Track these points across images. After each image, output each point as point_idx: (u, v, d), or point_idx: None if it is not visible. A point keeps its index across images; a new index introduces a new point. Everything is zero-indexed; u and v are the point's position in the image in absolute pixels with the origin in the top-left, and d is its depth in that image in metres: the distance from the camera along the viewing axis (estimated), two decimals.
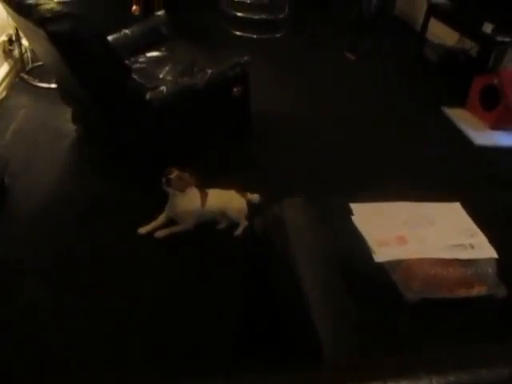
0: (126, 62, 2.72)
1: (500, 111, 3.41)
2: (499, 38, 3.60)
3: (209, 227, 2.30)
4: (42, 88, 3.36)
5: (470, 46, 4.14)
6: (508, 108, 3.34)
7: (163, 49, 2.93)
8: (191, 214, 2.25)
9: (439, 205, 1.23)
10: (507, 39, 3.60)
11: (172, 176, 2.13)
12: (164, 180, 2.13)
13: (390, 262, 1.03)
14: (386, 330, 0.92)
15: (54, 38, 1.85)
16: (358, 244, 1.07)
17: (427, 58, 4.36)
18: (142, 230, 2.23)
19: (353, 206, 1.19)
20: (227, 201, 2.31)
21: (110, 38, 2.75)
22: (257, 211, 2.28)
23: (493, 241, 1.12)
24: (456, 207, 1.21)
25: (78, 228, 2.26)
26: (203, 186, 2.29)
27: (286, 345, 1.00)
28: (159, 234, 2.22)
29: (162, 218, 2.28)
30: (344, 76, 4.05)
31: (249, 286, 1.41)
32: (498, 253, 1.07)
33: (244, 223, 2.31)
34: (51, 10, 1.89)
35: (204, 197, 2.28)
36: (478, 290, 0.98)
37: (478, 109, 3.60)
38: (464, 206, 1.23)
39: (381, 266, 1.03)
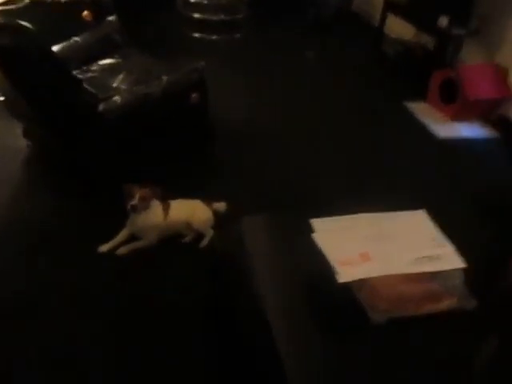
0: (77, 71, 2.61)
1: (459, 104, 3.47)
2: (455, 31, 3.64)
3: (174, 240, 2.21)
4: None
5: (427, 40, 4.20)
6: (466, 101, 3.39)
7: (117, 56, 2.82)
8: (154, 228, 2.16)
9: (403, 214, 1.18)
10: (462, 32, 3.66)
11: (135, 202, 2.02)
12: (129, 208, 2.03)
13: (355, 282, 0.98)
14: (351, 355, 0.87)
15: None
16: (320, 264, 1.01)
17: (386, 54, 4.40)
18: (103, 248, 2.12)
19: (313, 221, 1.13)
20: (191, 212, 2.23)
21: (58, 46, 2.63)
22: (222, 223, 2.21)
23: (461, 247, 1.08)
24: (421, 215, 1.17)
25: (31, 253, 2.11)
26: (166, 197, 2.20)
27: (251, 373, 0.94)
28: (121, 251, 2.12)
29: (123, 234, 2.17)
30: (304, 76, 4.03)
31: (212, 309, 1.34)
32: (468, 260, 1.04)
33: (210, 234, 2.23)
34: None
35: (166, 209, 2.19)
36: (447, 304, 0.94)
37: (438, 102, 3.65)
38: (430, 210, 1.19)
39: (346, 286, 0.98)
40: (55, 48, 2.51)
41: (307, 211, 1.20)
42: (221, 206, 2.34)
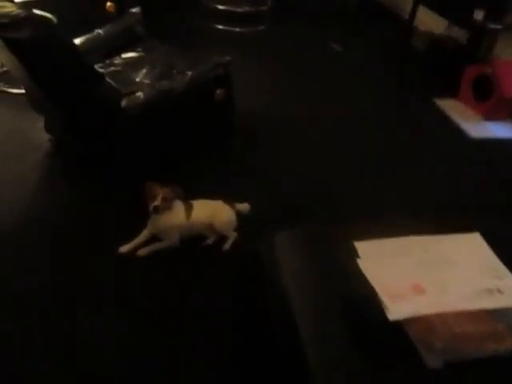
0: (100, 65, 2.55)
1: (493, 102, 3.30)
2: (490, 26, 3.46)
3: (196, 242, 2.14)
4: (13, 94, 3.15)
5: (459, 33, 4.01)
6: (502, 99, 3.23)
7: (139, 49, 2.75)
8: (175, 229, 2.09)
9: (456, 237, 1.06)
10: (498, 26, 3.47)
11: (158, 203, 1.96)
12: (152, 209, 1.96)
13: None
14: None
15: (13, 47, 1.66)
16: (366, 295, 0.90)
17: (416, 47, 4.23)
18: (124, 249, 2.06)
19: (358, 245, 1.01)
20: (214, 212, 2.15)
21: (81, 39, 2.57)
22: (246, 227, 2.13)
23: None
24: (476, 239, 1.06)
25: (51, 251, 2.08)
26: (187, 197, 2.13)
27: None
28: (142, 252, 2.06)
29: (144, 235, 2.11)
30: (331, 69, 3.90)
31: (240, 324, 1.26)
32: None
33: (233, 236, 2.16)
34: (9, 14, 1.70)
35: (189, 209, 2.12)
36: (509, 344, 0.84)
37: (471, 99, 3.49)
38: (483, 233, 1.06)
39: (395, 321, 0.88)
40: (77, 41, 2.45)
41: (344, 226, 1.09)
42: (244, 207, 2.26)
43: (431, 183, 2.66)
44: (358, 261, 0.99)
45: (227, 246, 2.13)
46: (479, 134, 3.21)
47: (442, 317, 0.86)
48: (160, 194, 1.96)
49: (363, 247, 1.02)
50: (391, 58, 4.20)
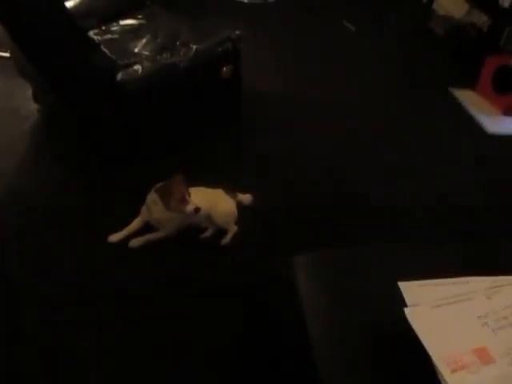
0: (95, 31, 2.32)
1: None
2: None
3: (192, 233, 1.96)
4: (1, 58, 2.90)
5: (480, 19, 3.78)
6: None
7: (140, 16, 2.51)
8: (171, 219, 1.91)
9: None
10: None
11: (197, 206, 1.79)
12: (192, 212, 1.79)
13: None
14: None
15: None
16: (414, 357, 0.73)
17: (433, 32, 3.99)
18: (113, 238, 1.89)
19: (403, 286, 0.82)
20: (213, 202, 1.97)
21: (74, 0, 2.33)
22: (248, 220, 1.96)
23: None
24: None
25: (34, 234, 1.90)
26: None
27: None
28: (134, 242, 1.89)
29: (136, 223, 1.93)
30: (343, 50, 3.67)
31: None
32: None
33: (233, 229, 1.99)
34: None
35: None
36: None
37: (490, 92, 3.28)
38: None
39: None
40: (70, 3, 2.21)
41: (378, 253, 0.91)
42: (246, 198, 2.08)
43: (444, 181, 2.48)
44: (406, 311, 0.80)
45: (226, 239, 1.96)
46: (497, 130, 3.02)
47: None
48: (187, 194, 1.80)
49: (410, 290, 0.82)
50: (406, 42, 3.96)
